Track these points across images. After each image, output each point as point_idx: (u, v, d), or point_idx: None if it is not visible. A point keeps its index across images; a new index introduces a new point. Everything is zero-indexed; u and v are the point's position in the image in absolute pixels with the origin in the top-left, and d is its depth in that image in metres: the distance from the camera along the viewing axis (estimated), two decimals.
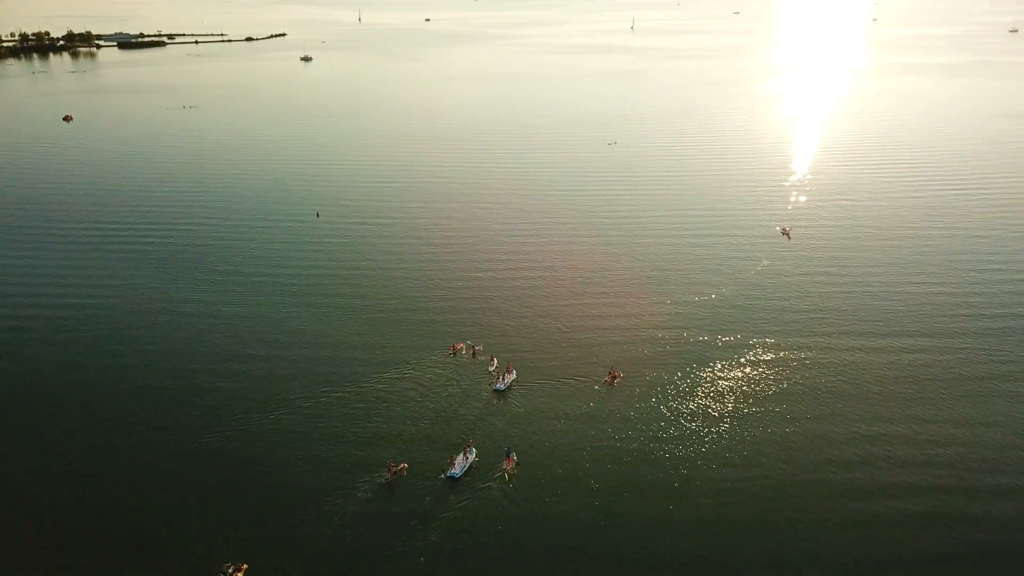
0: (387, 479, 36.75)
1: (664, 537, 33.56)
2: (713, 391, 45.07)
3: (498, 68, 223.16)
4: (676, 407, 43.24)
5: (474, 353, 49.90)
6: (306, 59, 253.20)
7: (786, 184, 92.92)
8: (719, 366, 47.87)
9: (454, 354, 49.82)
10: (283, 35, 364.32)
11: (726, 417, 42.39)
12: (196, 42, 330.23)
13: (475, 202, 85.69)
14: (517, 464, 38.22)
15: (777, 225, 74.57)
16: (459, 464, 37.76)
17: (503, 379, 45.91)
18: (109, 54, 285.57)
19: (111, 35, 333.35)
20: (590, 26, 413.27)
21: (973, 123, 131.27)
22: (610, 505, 35.39)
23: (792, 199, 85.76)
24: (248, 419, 42.14)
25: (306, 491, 36.16)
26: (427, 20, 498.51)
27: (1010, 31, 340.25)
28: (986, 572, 30.23)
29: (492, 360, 48.67)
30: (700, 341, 51.28)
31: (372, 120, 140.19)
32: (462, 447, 39.09)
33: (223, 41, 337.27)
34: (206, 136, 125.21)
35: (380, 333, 52.89)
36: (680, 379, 46.28)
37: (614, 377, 45.88)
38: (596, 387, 45.37)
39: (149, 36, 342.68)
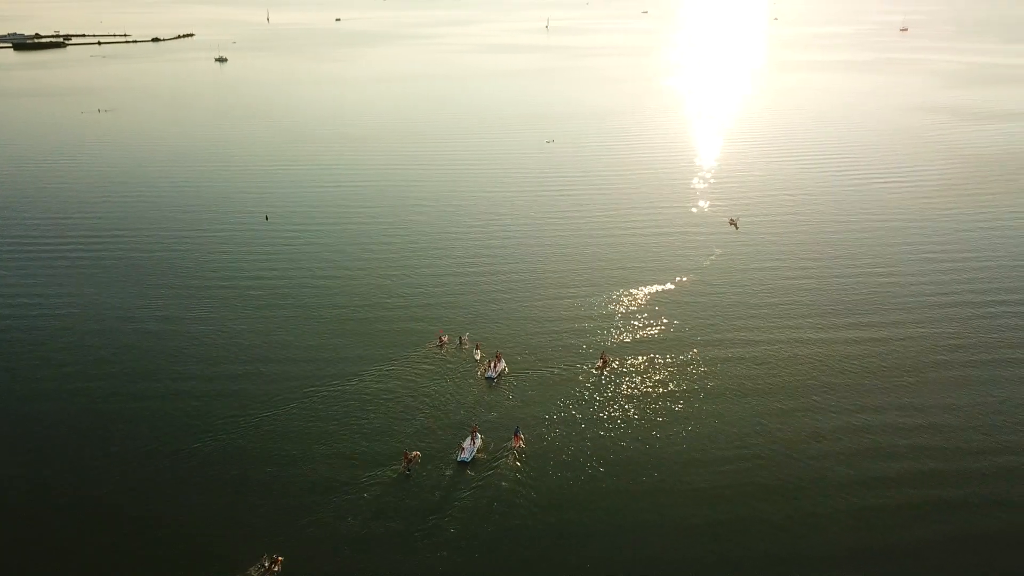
0: (404, 468, 37.42)
1: (678, 507, 35.39)
2: (698, 374, 47.53)
3: (421, 68, 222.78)
4: (666, 389, 45.30)
5: (460, 343, 50.90)
6: (221, 60, 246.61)
7: (722, 177, 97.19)
8: (696, 351, 50.28)
9: (440, 346, 50.69)
10: (191, 35, 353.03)
11: (716, 398, 44.93)
12: (99, 43, 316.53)
13: (422, 200, 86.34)
14: (525, 442, 39.61)
15: (726, 217, 77.65)
16: (468, 448, 38.78)
17: (494, 367, 47.04)
18: (4, 56, 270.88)
19: (4, 36, 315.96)
20: (505, 25, 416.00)
21: (882, 116, 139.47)
22: (620, 482, 37.05)
23: (731, 191, 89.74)
24: (236, 423, 41.82)
25: (321, 487, 36.50)
26: (337, 20, 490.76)
27: (900, 30, 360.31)
28: (976, 557, 32.02)
29: (476, 350, 49.76)
30: (674, 328, 53.79)
31: (304, 121, 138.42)
32: (468, 432, 40.02)
33: (128, 42, 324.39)
34: (130, 140, 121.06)
35: (354, 333, 53.21)
36: (662, 365, 48.38)
37: (605, 362, 47.60)
38: (590, 372, 47.03)
39: (46, 36, 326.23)
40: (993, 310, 55.56)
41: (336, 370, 47.26)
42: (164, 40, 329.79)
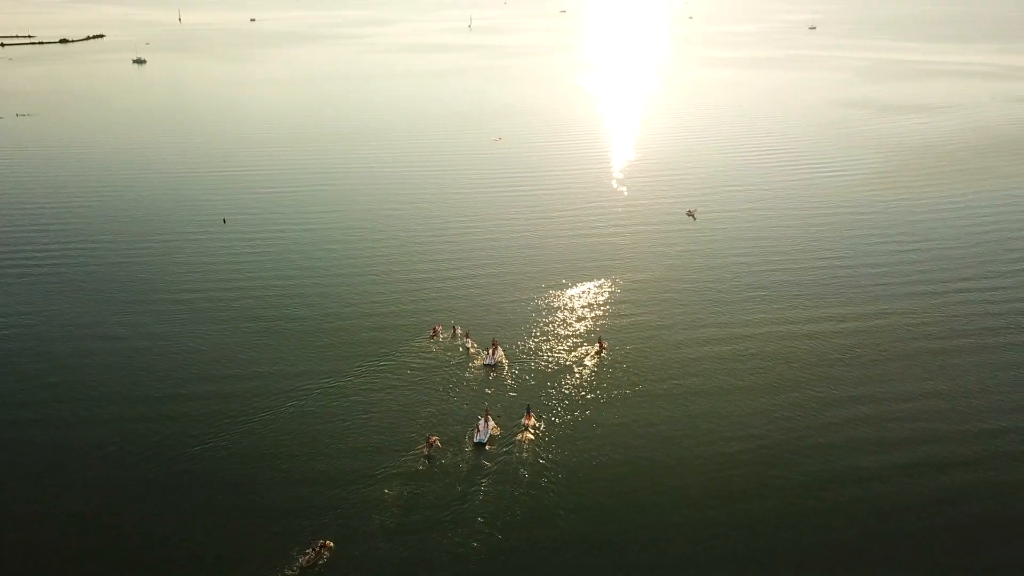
0: (425, 453, 38.62)
1: (686, 477, 37.95)
2: (689, 357, 50.20)
3: (353, 68, 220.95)
4: (662, 377, 47.48)
5: (454, 334, 52.22)
6: (140, 61, 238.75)
7: (668, 171, 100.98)
8: (683, 334, 53.05)
9: (434, 336, 51.91)
10: (101, 36, 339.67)
11: (709, 378, 47.84)
12: (1, 44, 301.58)
13: (383, 197, 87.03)
14: (536, 420, 41.50)
15: (683, 209, 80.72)
16: (483, 430, 40.35)
17: (492, 355, 48.56)
18: None
19: None
20: (427, 25, 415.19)
21: (808, 110, 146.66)
22: (628, 457, 39.28)
23: (680, 184, 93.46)
24: (236, 424, 42.10)
25: (345, 478, 37.26)
26: (252, 20, 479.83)
27: (809, 28, 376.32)
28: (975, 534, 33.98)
29: (467, 339, 51.23)
30: (658, 314, 56.43)
31: (244, 122, 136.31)
32: (481, 415, 41.54)
33: (33, 43, 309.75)
34: (59, 146, 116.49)
35: (338, 332, 53.73)
36: (654, 349, 50.85)
37: (602, 348, 49.72)
38: (587, 358, 49.09)
39: None
40: (954, 293, 58.68)
41: (329, 367, 47.64)
42: (73, 41, 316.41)
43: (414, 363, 48.45)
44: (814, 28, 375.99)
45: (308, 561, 30.95)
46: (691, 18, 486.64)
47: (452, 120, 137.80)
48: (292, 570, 30.79)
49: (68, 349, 50.63)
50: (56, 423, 42.12)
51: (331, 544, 31.76)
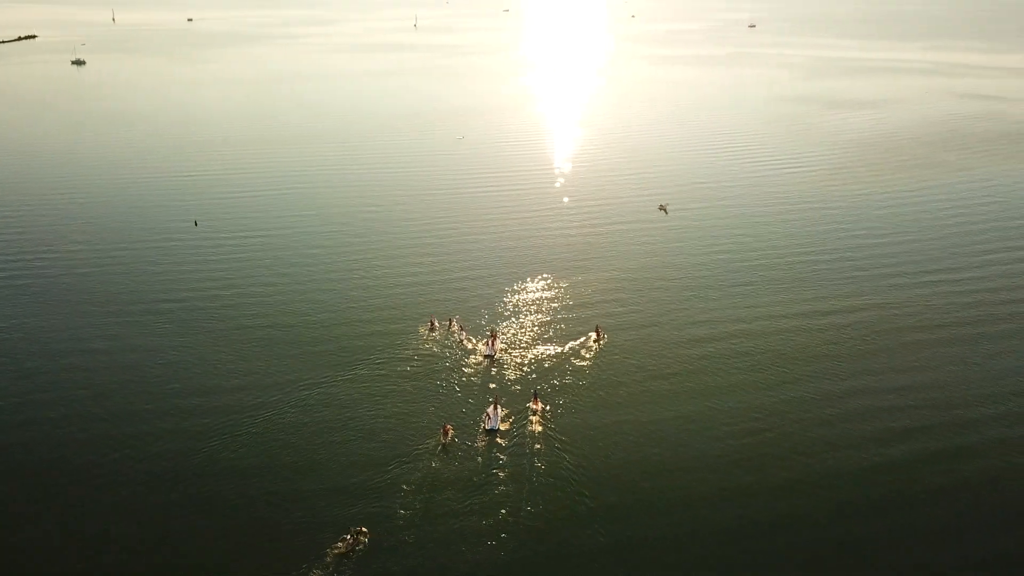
0: (442, 441, 39.47)
1: (689, 452, 39.72)
2: (683, 347, 52.02)
3: (303, 67, 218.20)
4: (658, 361, 49.25)
5: (450, 326, 53.06)
6: (78, 63, 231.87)
7: (632, 166, 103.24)
8: (674, 327, 54.71)
9: (432, 329, 52.68)
10: (33, 37, 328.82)
11: (700, 360, 50.02)
12: None
13: (349, 197, 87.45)
14: (543, 405, 42.86)
15: (655, 204, 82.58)
16: (493, 417, 41.45)
17: (492, 345, 49.58)
18: None
19: None
20: (373, 24, 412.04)
21: (758, 106, 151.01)
22: (635, 439, 40.86)
23: (646, 179, 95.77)
24: (253, 422, 42.37)
25: (365, 467, 38.06)
26: (190, 20, 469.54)
27: (749, 26, 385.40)
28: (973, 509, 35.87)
29: (462, 332, 52.35)
30: (644, 308, 58.03)
31: (201, 124, 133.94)
32: (490, 403, 42.71)
33: None
34: (3, 154, 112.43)
35: (330, 329, 54.33)
36: (648, 340, 52.47)
37: (599, 335, 51.23)
38: (584, 347, 50.55)
39: None
40: (927, 283, 61.04)
41: (328, 366, 47.80)
42: (4, 42, 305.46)
43: (415, 357, 49.22)
44: (753, 26, 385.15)
45: (347, 547, 31.58)
46: (633, 17, 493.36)
47: (412, 119, 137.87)
48: (331, 557, 31.37)
49: (41, 364, 48.44)
50: (49, 437, 41.63)
51: (366, 530, 32.37)
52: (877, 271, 63.84)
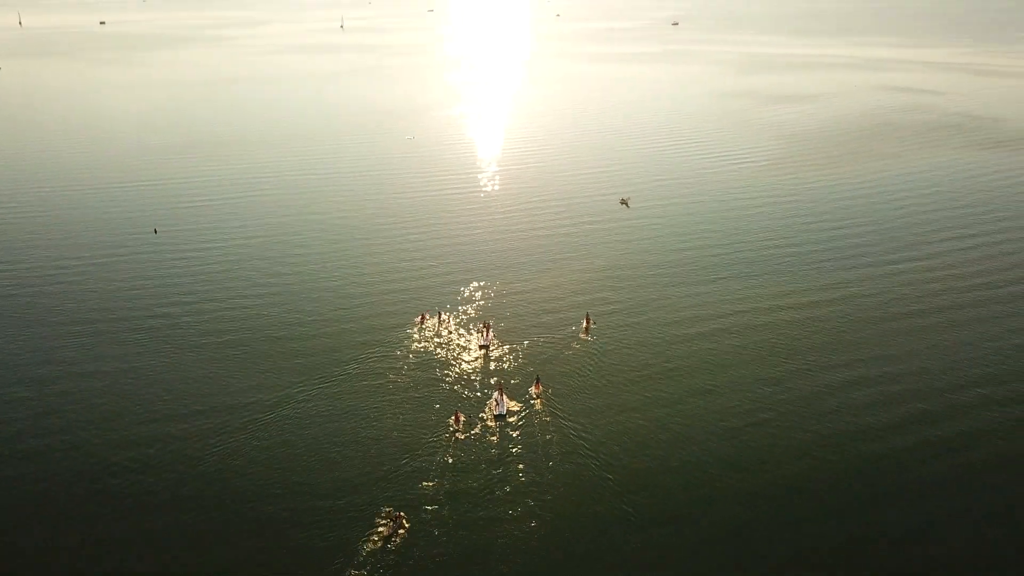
0: (456, 428, 40.42)
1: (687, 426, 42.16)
2: (669, 330, 54.69)
3: (233, 70, 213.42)
4: (647, 347, 51.46)
5: (439, 320, 53.99)
6: None
7: (584, 162, 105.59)
8: (659, 313, 57.31)
9: (422, 322, 53.60)
10: None
11: (689, 342, 52.39)
12: None
13: (308, 200, 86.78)
14: (544, 389, 44.58)
15: (616, 198, 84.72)
16: (501, 403, 42.97)
17: (486, 336, 50.67)
18: None
19: None
20: (298, 26, 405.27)
21: (696, 102, 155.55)
22: (633, 417, 42.99)
23: (599, 175, 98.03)
24: (249, 428, 42.49)
25: (385, 457, 39.03)
26: (102, 23, 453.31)
27: (672, 24, 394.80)
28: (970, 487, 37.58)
29: (449, 321, 53.85)
30: (626, 297, 60.45)
31: (140, 129, 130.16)
32: (496, 390, 44.21)
33: None
34: None
35: (318, 327, 55.13)
36: (635, 325, 54.84)
37: (588, 323, 52.88)
38: (576, 335, 52.38)
39: None
40: (889, 265, 64.63)
41: (323, 363, 48.35)
42: None
43: (411, 352, 50.18)
44: (677, 24, 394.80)
45: (388, 531, 32.34)
46: (559, 16, 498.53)
47: (356, 120, 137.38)
48: (373, 542, 32.16)
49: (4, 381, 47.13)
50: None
51: (403, 515, 33.11)
52: (842, 259, 66.67)
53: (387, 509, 33.66)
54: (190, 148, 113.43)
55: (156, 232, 74.98)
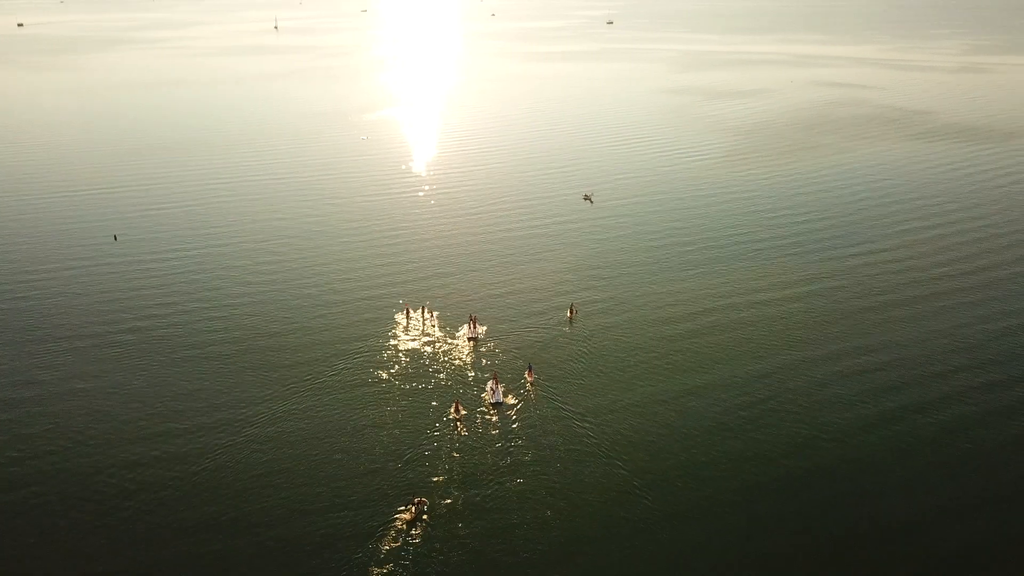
0: (456, 417, 41.86)
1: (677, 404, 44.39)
2: (651, 313, 57.10)
3: (176, 73, 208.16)
4: (631, 334, 53.45)
5: (424, 313, 55.26)
6: None
7: (540, 160, 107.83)
8: (642, 302, 59.47)
9: (407, 316, 54.64)
10: None
11: (675, 325, 54.79)
12: None
13: (270, 201, 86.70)
14: (537, 376, 46.45)
15: (579, 193, 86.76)
16: (497, 391, 44.45)
17: (474, 328, 52.04)
18: None
19: None
20: (230, 27, 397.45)
21: (639, 98, 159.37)
22: (625, 396, 45.27)
23: (559, 172, 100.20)
24: (245, 432, 43.24)
25: (388, 451, 40.14)
26: (20, 25, 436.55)
27: (607, 23, 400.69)
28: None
29: (433, 316, 55.10)
30: (603, 287, 62.98)
31: (85, 133, 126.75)
32: (490, 379, 45.68)
33: None
34: None
35: (309, 328, 55.73)
36: (617, 313, 57.00)
37: (573, 312, 54.99)
38: (560, 323, 54.30)
39: None
40: (853, 253, 67.71)
41: (316, 361, 48.92)
42: None
43: (399, 346, 51.27)
44: (611, 23, 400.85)
45: (411, 516, 33.50)
46: (493, 15, 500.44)
47: (304, 121, 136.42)
48: (397, 527, 33.35)
49: None
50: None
51: (426, 500, 34.33)
52: (807, 250, 68.85)
53: (413, 497, 34.81)
54: (136, 153, 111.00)
55: (116, 239, 73.81)
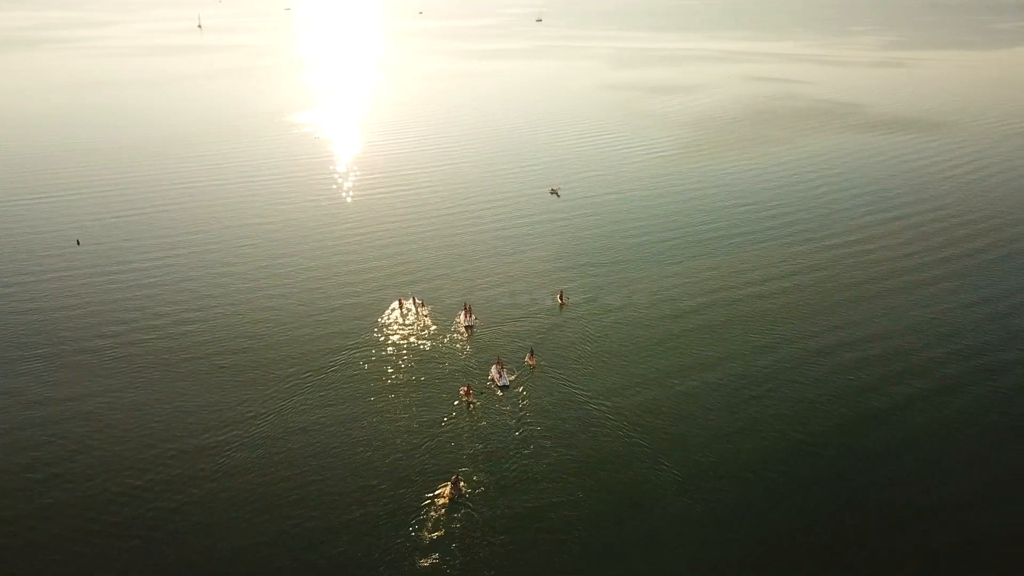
0: (468, 400, 42.54)
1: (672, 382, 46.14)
2: (637, 297, 58.94)
3: (101, 74, 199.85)
4: (620, 319, 54.89)
5: (414, 304, 55.45)
6: None
7: (499, 157, 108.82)
8: (628, 289, 61.08)
9: (401, 307, 54.90)
10: None
11: (663, 307, 56.78)
12: None
13: (224, 204, 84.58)
14: (539, 359, 47.65)
15: (545, 188, 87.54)
16: (502, 375, 45.44)
17: (469, 317, 52.66)
18: None
19: None
20: (150, 25, 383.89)
21: (582, 95, 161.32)
22: (620, 378, 46.79)
23: (520, 169, 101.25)
24: (253, 436, 43.26)
25: (403, 441, 40.41)
26: None
27: (536, 20, 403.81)
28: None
29: (425, 306, 55.49)
30: (587, 277, 64.72)
31: (27, 134, 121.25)
32: (494, 363, 46.46)
33: None
34: None
35: (302, 323, 55.41)
36: (605, 300, 58.49)
37: (563, 299, 56.46)
38: (551, 309, 55.65)
39: None
40: (824, 243, 69.80)
41: (314, 358, 48.64)
42: None
43: (396, 339, 51.47)
44: (541, 20, 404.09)
45: (452, 494, 34.18)
46: (421, 13, 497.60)
47: (253, 121, 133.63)
48: (439, 505, 34.18)
49: None
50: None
51: (462, 478, 34.98)
52: (773, 239, 70.84)
53: (456, 476, 35.45)
54: (75, 156, 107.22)
55: (79, 243, 71.30)
